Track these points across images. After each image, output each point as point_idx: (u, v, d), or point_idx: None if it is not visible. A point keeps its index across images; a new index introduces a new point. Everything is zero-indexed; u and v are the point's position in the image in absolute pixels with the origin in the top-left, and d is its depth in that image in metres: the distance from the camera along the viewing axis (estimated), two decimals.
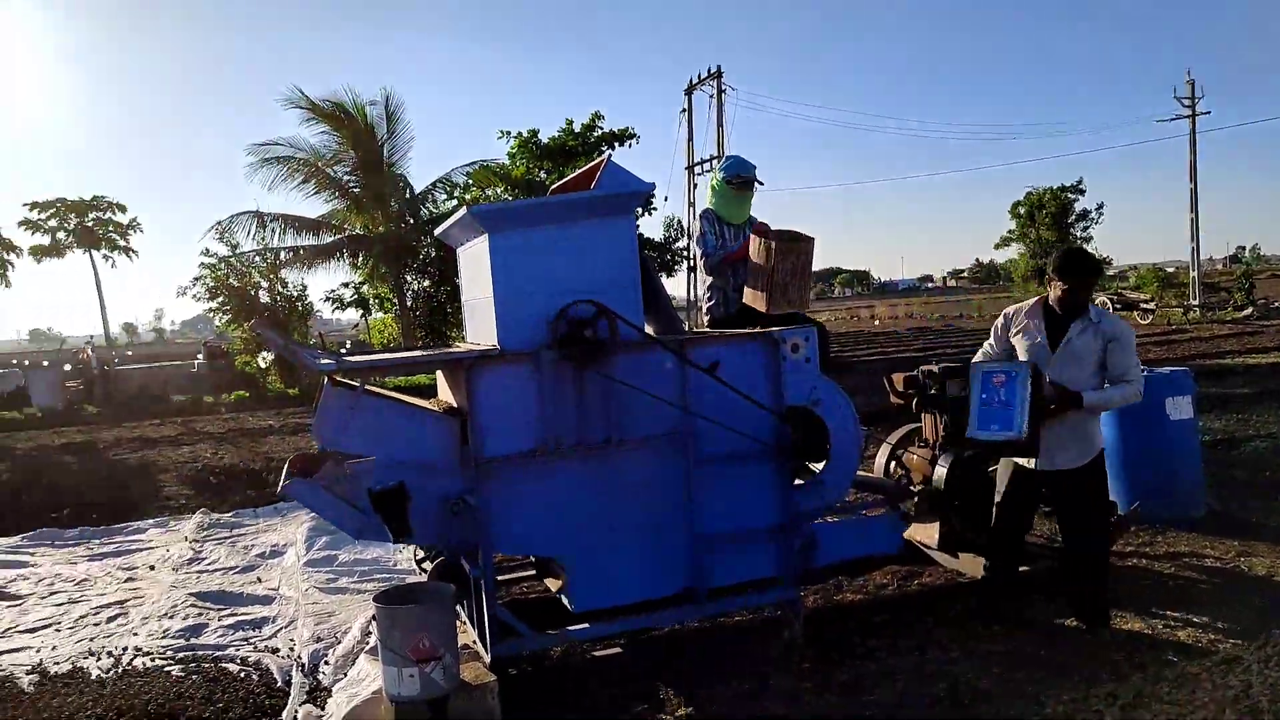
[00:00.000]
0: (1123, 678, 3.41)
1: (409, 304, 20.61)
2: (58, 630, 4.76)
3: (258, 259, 19.96)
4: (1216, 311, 30.24)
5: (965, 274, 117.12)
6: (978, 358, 4.42)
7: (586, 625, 3.77)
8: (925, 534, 5.16)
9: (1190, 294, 33.23)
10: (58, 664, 4.21)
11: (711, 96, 32.25)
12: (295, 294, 20.14)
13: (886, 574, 4.95)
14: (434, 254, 20.08)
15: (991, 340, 4.39)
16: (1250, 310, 29.02)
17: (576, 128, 21.36)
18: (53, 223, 18.58)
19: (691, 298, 23.67)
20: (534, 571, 4.68)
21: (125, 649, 4.34)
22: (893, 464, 5.56)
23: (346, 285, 21.04)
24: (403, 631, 3.11)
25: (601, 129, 21.42)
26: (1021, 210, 43.48)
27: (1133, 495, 5.58)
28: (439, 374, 4.27)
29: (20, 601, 5.32)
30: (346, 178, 19.79)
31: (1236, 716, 3.00)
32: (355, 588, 5.16)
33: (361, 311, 21.62)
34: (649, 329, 3.95)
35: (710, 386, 3.79)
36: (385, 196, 19.63)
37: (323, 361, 3.33)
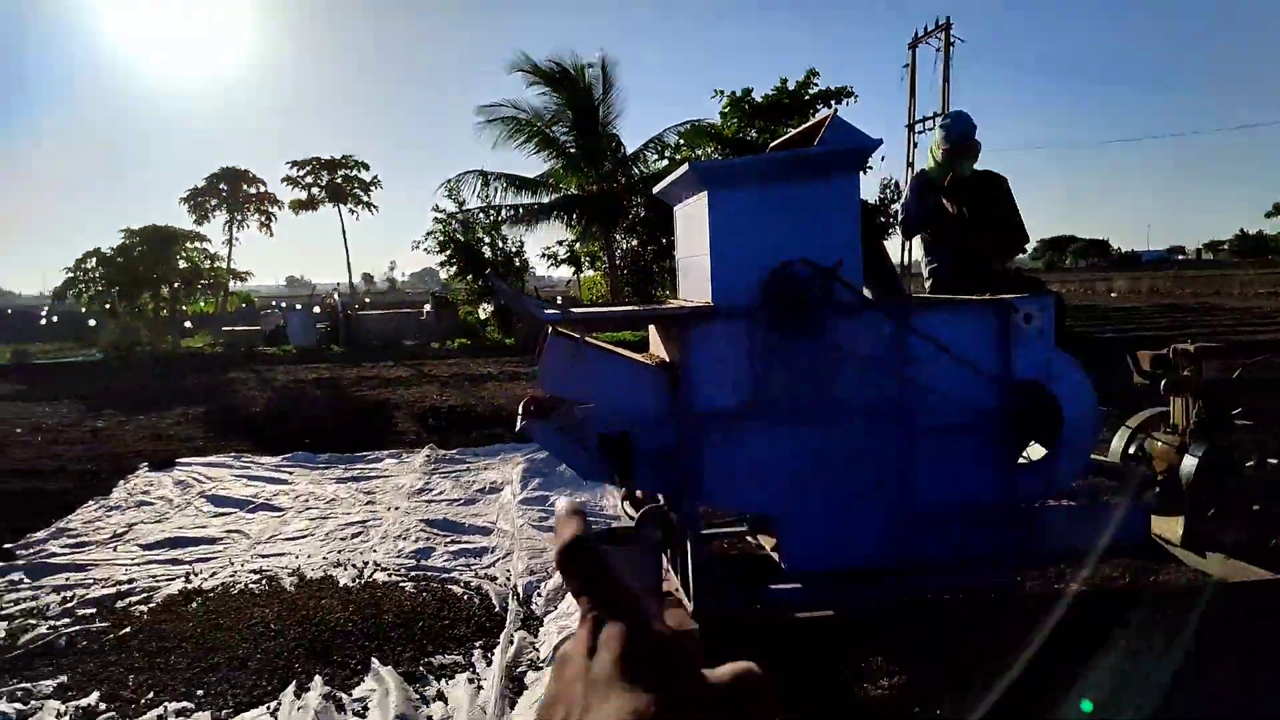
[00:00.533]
0: None
1: (617, 262, 21.20)
2: (312, 540, 5.38)
3: (482, 216, 21.24)
4: None
5: (1225, 246, 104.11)
6: None
7: (794, 585, 3.76)
8: (1167, 528, 4.71)
9: None
10: (313, 570, 4.76)
11: (938, 50, 30.44)
12: (514, 250, 21.29)
13: (1117, 567, 4.57)
14: (642, 214, 20.50)
15: None
16: None
17: (790, 86, 20.89)
18: (308, 179, 20.84)
19: (905, 262, 22.68)
20: (745, 527, 4.73)
21: (367, 563, 4.84)
22: (1132, 449, 5.09)
23: (561, 243, 21.95)
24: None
25: (816, 86, 20.83)
26: None
27: None
28: (651, 329, 4.36)
29: (282, 513, 6.06)
30: (564, 138, 20.54)
31: None
32: None
33: (573, 269, 22.50)
34: (867, 293, 3.82)
35: (932, 354, 3.62)
36: (599, 156, 20.21)
37: (548, 312, 3.49)
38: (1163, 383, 4.78)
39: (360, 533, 5.50)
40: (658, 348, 4.16)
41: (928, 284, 5.07)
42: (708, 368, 3.56)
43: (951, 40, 30.02)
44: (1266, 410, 5.09)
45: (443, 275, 23.93)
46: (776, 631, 3.78)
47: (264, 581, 4.58)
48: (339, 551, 5.11)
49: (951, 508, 3.78)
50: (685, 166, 3.62)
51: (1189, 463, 4.54)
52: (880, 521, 3.74)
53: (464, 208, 21.11)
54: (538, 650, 3.68)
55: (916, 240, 5.30)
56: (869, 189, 27.71)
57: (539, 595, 4.30)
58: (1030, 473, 3.99)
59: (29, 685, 3.48)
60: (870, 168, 22.91)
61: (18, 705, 3.32)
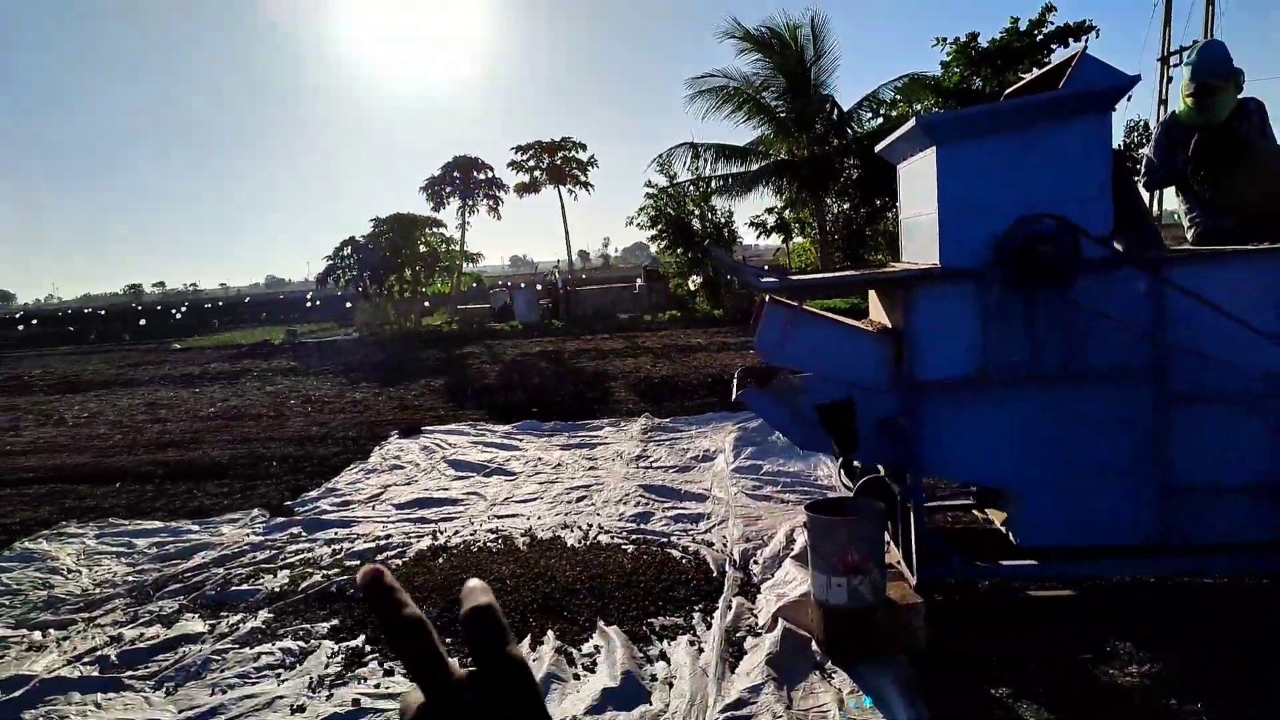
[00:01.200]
0: None
1: (828, 228, 20.64)
2: (540, 503, 5.71)
3: (691, 188, 21.38)
4: None
5: None
6: None
7: (1026, 562, 3.53)
8: None
9: None
10: (542, 531, 5.05)
11: None
12: (723, 220, 21.28)
13: None
14: (855, 176, 19.77)
15: None
16: None
17: (1022, 26, 19.23)
18: (531, 163, 21.88)
19: (1158, 213, 20.37)
20: (971, 500, 4.49)
21: (591, 525, 5.08)
22: None
23: (770, 211, 21.67)
24: (833, 542, 3.18)
25: (1052, 24, 19.03)
26: None
27: None
28: (872, 294, 4.21)
29: (514, 477, 6.48)
30: (774, 103, 20.19)
31: None
32: (779, 497, 5.42)
33: (782, 236, 22.17)
34: (1119, 246, 3.46)
35: (1195, 313, 3.23)
36: (810, 119, 19.70)
37: (765, 280, 3.46)
38: None
39: (584, 496, 5.77)
40: (879, 313, 4.01)
41: (1189, 236, 4.51)
42: (934, 333, 3.39)
43: None
44: None
45: (653, 249, 24.41)
46: (1009, 609, 3.56)
47: (500, 540, 4.93)
48: (565, 514, 5.39)
49: (1220, 483, 3.37)
50: (911, 121, 3.44)
51: None
52: (1130, 497, 3.40)
53: (674, 181, 21.36)
54: (755, 616, 3.70)
55: (1170, 190, 4.73)
56: (1114, 132, 24.98)
57: (755, 563, 4.31)
58: None
59: (308, 625, 3.97)
60: (1114, 110, 20.69)
61: (300, 643, 3.79)
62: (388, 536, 5.20)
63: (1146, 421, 3.35)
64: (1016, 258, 3.25)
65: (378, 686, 3.33)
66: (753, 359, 12.18)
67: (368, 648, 3.68)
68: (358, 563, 4.77)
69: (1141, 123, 22.08)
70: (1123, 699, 2.87)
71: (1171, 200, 4.80)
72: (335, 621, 3.99)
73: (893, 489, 3.68)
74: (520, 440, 7.72)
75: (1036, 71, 3.95)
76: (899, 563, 3.73)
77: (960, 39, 19.72)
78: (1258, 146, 4.21)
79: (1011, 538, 3.52)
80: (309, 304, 37.75)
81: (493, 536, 5.01)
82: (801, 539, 4.30)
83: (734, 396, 3.61)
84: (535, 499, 5.83)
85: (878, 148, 4.14)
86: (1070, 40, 18.83)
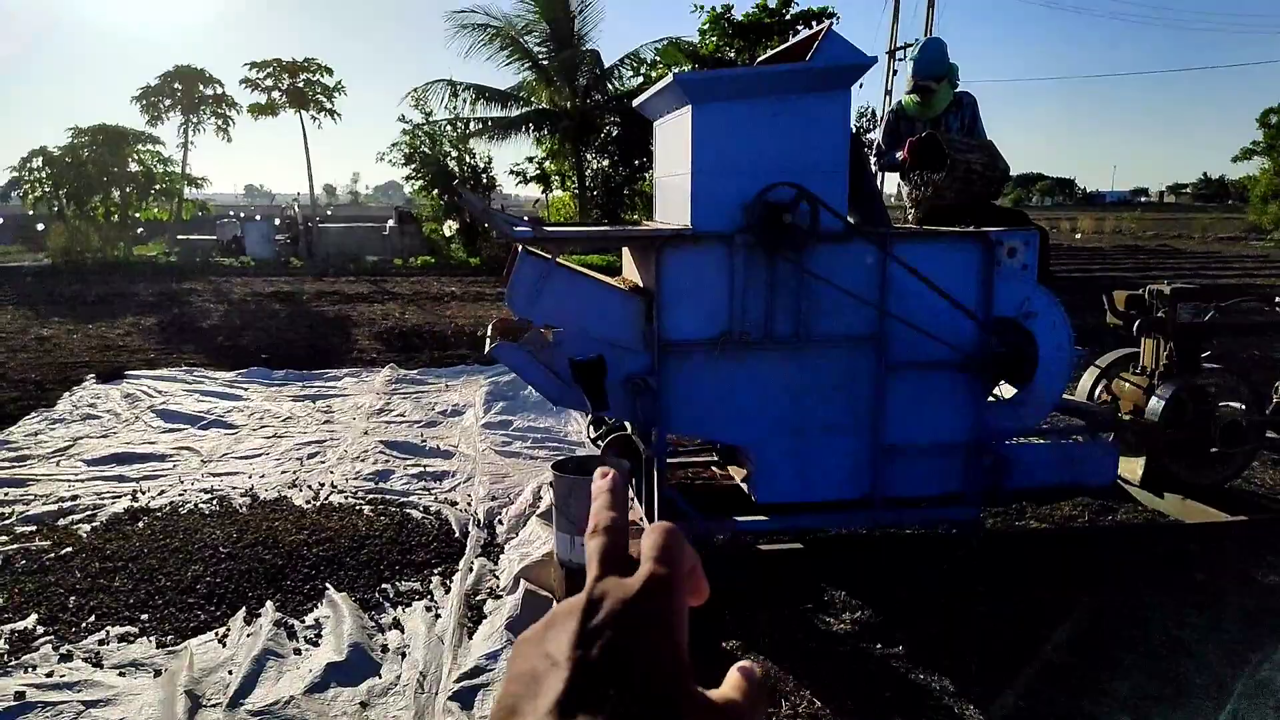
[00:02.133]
0: None
1: (587, 183, 20.73)
2: (266, 460, 5.22)
3: (449, 128, 20.52)
4: None
5: (1188, 189, 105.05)
6: None
7: (757, 517, 3.71)
8: (1127, 468, 4.74)
9: None
10: (266, 491, 4.61)
11: None
12: (481, 165, 20.65)
13: (1076, 506, 4.59)
14: (615, 133, 19.96)
15: None
16: None
17: (771, 3, 20.26)
18: (269, 82, 19.85)
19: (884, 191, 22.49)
20: (715, 458, 4.66)
21: (323, 485, 4.71)
22: (1098, 390, 5.09)
23: (530, 160, 21.36)
24: (578, 502, 3.14)
25: (797, 6, 20.24)
26: (1275, 120, 37.90)
27: None
28: (625, 252, 4.19)
29: (235, 431, 5.88)
30: (537, 49, 19.79)
31: None
32: (528, 453, 5.34)
33: (542, 187, 21.97)
34: (851, 220, 3.68)
35: (912, 287, 3.51)
36: (573, 70, 19.54)
37: (519, 229, 3.30)
38: (1136, 324, 4.74)
39: (317, 453, 5.35)
40: (631, 272, 4.00)
41: (909, 217, 4.93)
42: (685, 294, 3.42)
43: None
44: (1234, 354, 5.07)
45: (407, 190, 23.25)
46: (743, 562, 3.74)
47: (215, 502, 4.44)
48: (294, 472, 4.96)
49: (923, 444, 3.72)
50: (669, 77, 3.40)
51: (1154, 404, 4.54)
52: (852, 456, 3.67)
53: (431, 119, 20.37)
54: (498, 578, 3.60)
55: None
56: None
57: (500, 522, 4.21)
58: (1002, 410, 3.94)
59: None
60: (857, 86, 22.47)
61: None
62: (74, 497, 4.51)
63: (867, 386, 3.61)
64: (762, 224, 3.34)
65: (50, 675, 2.85)
66: (508, 311, 11.96)
67: (39, 629, 3.15)
68: (32, 529, 4.09)
69: (870, 110, 24.19)
70: (836, 644, 3.10)
71: (894, 183, 5.22)
72: None
73: (638, 446, 3.72)
74: (245, 389, 7.03)
75: (787, 44, 4.07)
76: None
77: (716, 9, 20.43)
78: (958, 145, 4.63)
79: (750, 494, 3.68)
80: None
81: (206, 497, 4.50)
82: (548, 497, 4.25)
83: (486, 350, 3.44)
84: (260, 455, 5.32)
85: (636, 101, 4.09)
86: (814, 22, 20.12)
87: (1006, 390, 4.18)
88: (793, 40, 3.98)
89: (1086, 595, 3.48)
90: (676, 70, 3.91)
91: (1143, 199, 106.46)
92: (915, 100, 4.75)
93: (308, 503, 4.43)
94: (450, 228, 20.65)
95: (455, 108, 20.29)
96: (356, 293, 14.30)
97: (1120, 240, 33.87)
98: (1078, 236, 37.65)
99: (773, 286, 3.45)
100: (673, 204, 3.75)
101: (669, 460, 4.07)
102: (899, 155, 4.67)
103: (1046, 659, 3.01)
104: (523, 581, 3.40)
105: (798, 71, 3.31)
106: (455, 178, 20.18)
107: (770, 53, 4.28)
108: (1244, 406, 4.58)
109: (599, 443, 4.48)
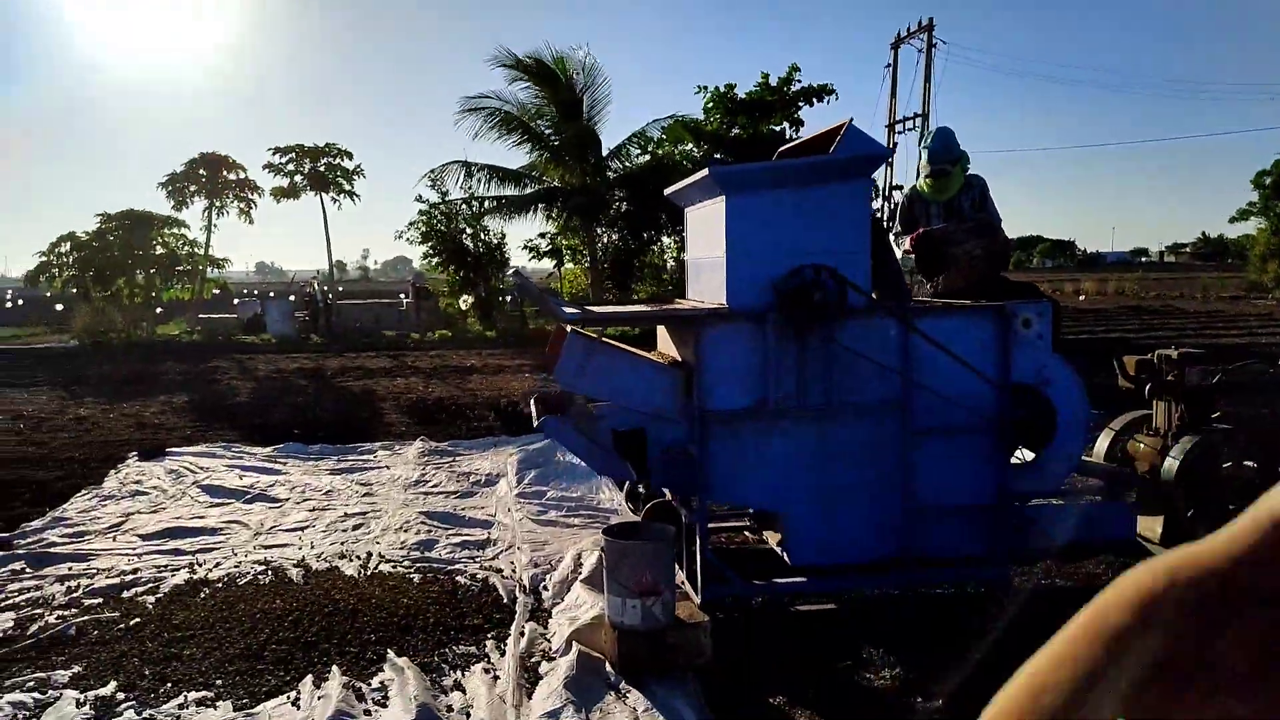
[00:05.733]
0: None
1: (598, 256, 21.25)
2: (313, 532, 5.41)
3: (464, 206, 21.16)
4: None
5: (1188, 249, 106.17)
6: None
7: (796, 579, 3.88)
8: (1147, 527, 4.89)
9: None
10: (318, 561, 4.80)
11: (920, 50, 30.72)
12: (496, 241, 21.23)
13: (1099, 564, 4.73)
14: (624, 208, 20.53)
15: None
16: None
17: (773, 81, 21.01)
18: (290, 166, 20.63)
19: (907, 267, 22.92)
20: (749, 523, 4.85)
21: (370, 554, 4.89)
22: (1116, 450, 5.28)
23: (543, 236, 21.94)
24: (629, 566, 3.33)
25: (799, 83, 20.96)
26: (1268, 181, 38.56)
27: None
28: (659, 328, 4.45)
29: (280, 504, 6.08)
30: (547, 130, 20.52)
31: None
32: (564, 521, 5.52)
33: (555, 262, 22.50)
34: (875, 296, 3.94)
35: (934, 357, 3.75)
36: (583, 150, 20.22)
37: (568, 311, 3.57)
38: (1147, 387, 4.97)
39: (361, 524, 5.55)
40: (667, 346, 4.26)
41: (928, 288, 5.21)
42: (722, 368, 3.67)
43: (934, 42, 30.33)
44: (1244, 414, 5.29)
45: (417, 264, 23.83)
46: (780, 623, 3.90)
47: (270, 573, 4.62)
48: (342, 543, 5.15)
49: (949, 505, 3.91)
50: (704, 171, 3.72)
51: (1170, 464, 4.73)
52: (882, 518, 3.87)
53: (447, 198, 21.05)
54: (549, 641, 3.77)
55: None
56: None
57: (545, 588, 4.38)
58: (1024, 473, 4.14)
59: (43, 674, 3.51)
60: (874, 176, 23.06)
61: (35, 695, 3.34)
62: (134, 571, 4.70)
63: (895, 450, 3.83)
64: (792, 302, 3.61)
65: None
66: (531, 381, 12.27)
67: (120, 695, 3.32)
68: (99, 600, 4.28)
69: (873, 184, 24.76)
70: (878, 699, 3.25)
71: None
72: (78, 668, 3.55)
73: (679, 513, 3.92)
74: (284, 464, 7.26)
75: (810, 136, 4.41)
76: (683, 582, 3.97)
77: (719, 88, 21.20)
78: (954, 237, 4.91)
79: (785, 557, 3.87)
80: (9, 304, 32.86)
81: (261, 568, 4.69)
82: (589, 562, 4.43)
83: (535, 424, 3.68)
84: (306, 527, 5.51)
85: (668, 191, 4.41)
86: (814, 99, 20.83)
87: (1027, 454, 4.38)
88: (817, 132, 4.31)
89: None
90: (711, 165, 4.22)
91: (1143, 259, 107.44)
92: (930, 183, 5.07)
93: (358, 572, 4.61)
94: (466, 301, 21.13)
95: (470, 187, 20.97)
96: (379, 367, 14.61)
97: (1123, 301, 34.22)
98: (1081, 298, 38.03)
99: (803, 359, 3.70)
100: (706, 283, 4.03)
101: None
102: (905, 248, 4.96)
103: None
104: (575, 643, 3.57)
105: (822, 164, 3.62)
106: (471, 254, 20.72)
107: (795, 142, 4.62)
108: (1255, 465, 4.76)
109: (632, 507, 4.68)
